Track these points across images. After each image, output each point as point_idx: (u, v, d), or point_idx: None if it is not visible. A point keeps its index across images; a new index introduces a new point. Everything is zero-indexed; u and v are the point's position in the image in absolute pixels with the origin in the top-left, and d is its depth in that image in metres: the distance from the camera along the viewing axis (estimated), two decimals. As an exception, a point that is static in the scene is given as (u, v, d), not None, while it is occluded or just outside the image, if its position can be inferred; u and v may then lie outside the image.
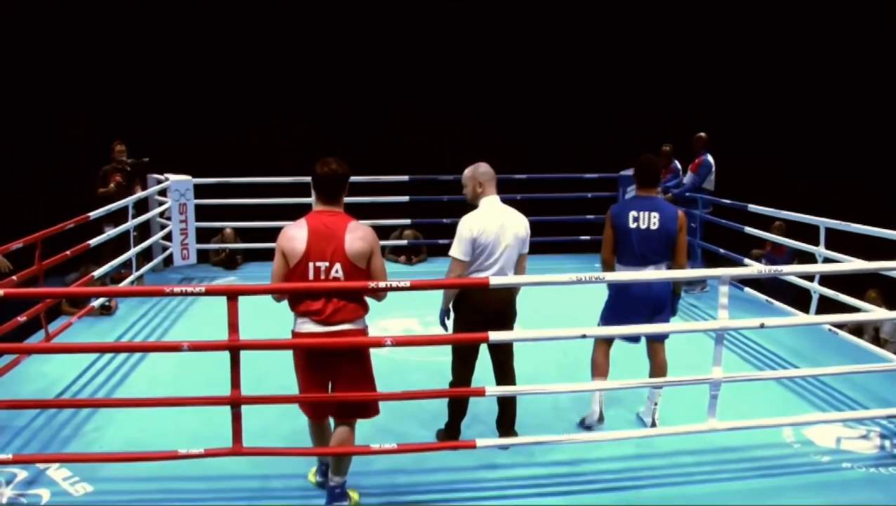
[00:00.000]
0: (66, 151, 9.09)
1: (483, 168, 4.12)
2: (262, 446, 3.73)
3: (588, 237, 9.16)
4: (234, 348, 3.43)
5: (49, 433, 4.39)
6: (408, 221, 9.07)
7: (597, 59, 10.57)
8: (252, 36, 10.10)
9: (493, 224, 3.97)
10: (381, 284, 3.46)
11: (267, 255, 8.91)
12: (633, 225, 4.25)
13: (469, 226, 3.96)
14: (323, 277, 3.36)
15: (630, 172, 8.98)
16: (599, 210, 9.19)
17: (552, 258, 8.98)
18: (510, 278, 3.91)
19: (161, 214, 8.18)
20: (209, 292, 3.41)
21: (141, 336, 6.23)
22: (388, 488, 3.87)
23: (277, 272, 3.44)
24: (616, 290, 4.37)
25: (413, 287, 3.56)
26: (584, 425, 4.46)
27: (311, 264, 3.36)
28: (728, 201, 7.24)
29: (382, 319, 6.59)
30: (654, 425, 4.44)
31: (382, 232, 9.00)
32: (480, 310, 4.00)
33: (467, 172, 4.15)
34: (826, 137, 9.83)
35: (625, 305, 4.29)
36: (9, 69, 9.09)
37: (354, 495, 3.69)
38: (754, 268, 3.95)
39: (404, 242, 9.07)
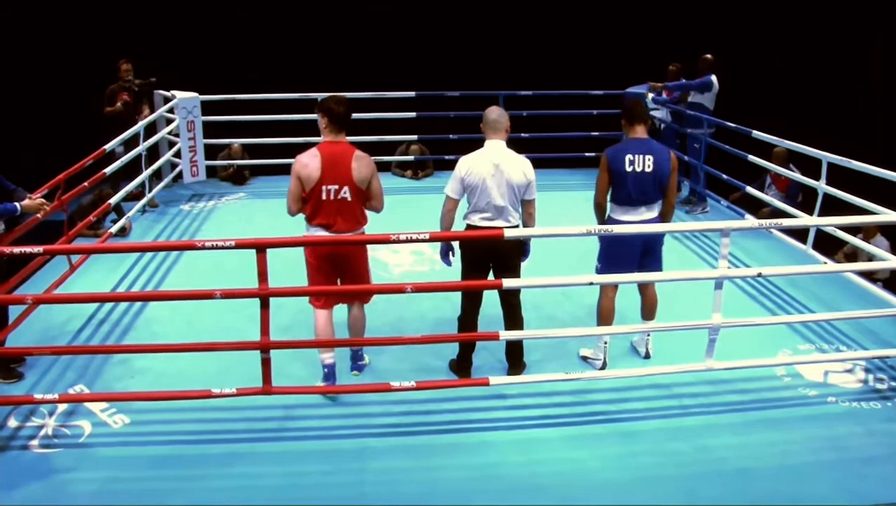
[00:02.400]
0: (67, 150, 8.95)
1: (493, 115, 4.20)
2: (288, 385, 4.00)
3: (593, 153, 9.19)
4: (264, 296, 3.63)
5: (81, 363, 4.64)
6: (414, 137, 9.07)
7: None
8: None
9: (484, 167, 4.12)
10: (402, 236, 3.63)
11: (274, 170, 9.03)
12: (629, 169, 4.34)
13: (459, 166, 4.20)
14: (333, 196, 4.02)
15: (636, 88, 8.95)
16: (604, 127, 9.23)
17: (558, 173, 9.11)
18: (522, 231, 4.05)
19: (170, 132, 8.18)
20: (239, 246, 3.55)
21: (157, 259, 6.43)
22: (402, 415, 4.15)
23: (294, 193, 4.06)
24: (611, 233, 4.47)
25: (432, 239, 3.74)
26: (587, 362, 4.72)
27: (324, 187, 4.00)
28: (733, 125, 7.24)
29: (392, 242, 6.78)
30: (647, 355, 4.72)
31: (389, 147, 9.09)
32: (481, 247, 4.22)
33: (484, 112, 4.28)
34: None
35: (620, 247, 4.44)
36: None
37: (367, 357, 4.60)
38: (755, 221, 4.07)
39: (411, 157, 9.11)
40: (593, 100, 9.17)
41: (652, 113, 8.64)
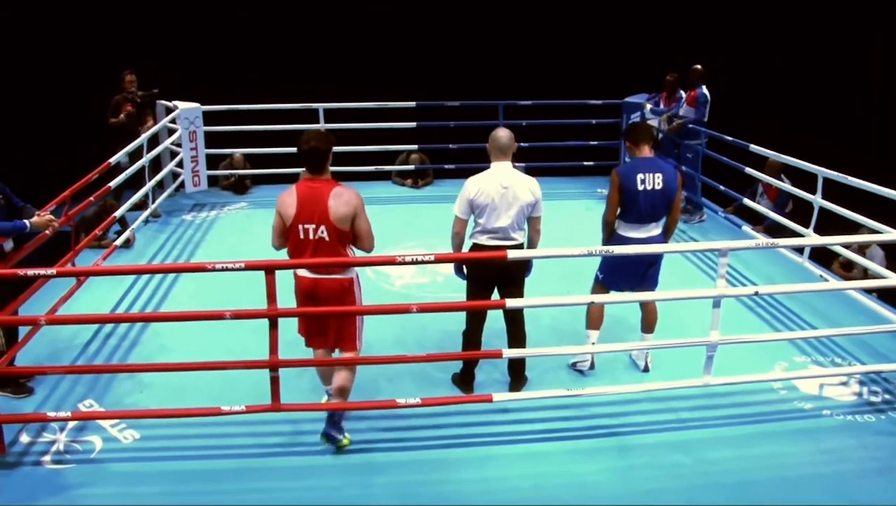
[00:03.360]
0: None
1: (503, 140, 4.25)
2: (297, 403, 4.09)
3: (591, 162, 9.33)
4: (273, 317, 3.72)
5: (90, 377, 4.71)
6: (415, 147, 9.16)
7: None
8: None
9: (493, 188, 4.19)
10: (408, 258, 3.71)
11: (276, 179, 9.12)
12: (640, 187, 4.45)
13: (468, 187, 4.24)
14: (311, 236, 3.80)
15: (635, 97, 9.05)
16: (603, 136, 9.34)
17: (557, 181, 9.22)
18: (525, 252, 4.13)
19: (172, 142, 8.24)
20: (248, 268, 3.63)
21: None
22: (407, 430, 4.24)
23: (277, 228, 3.90)
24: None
25: (437, 260, 3.80)
26: (576, 369, 4.82)
27: (300, 226, 3.80)
28: (730, 139, 7.35)
29: (392, 250, 6.87)
30: (646, 368, 4.83)
31: (389, 157, 9.18)
32: (486, 267, 4.30)
33: (493, 135, 4.34)
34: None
35: (623, 260, 4.56)
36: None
37: (346, 441, 4.07)
38: (752, 242, 4.18)
39: (411, 166, 9.19)
40: (592, 109, 9.27)
41: (650, 122, 8.75)
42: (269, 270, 3.65)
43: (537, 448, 4.13)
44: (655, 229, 4.57)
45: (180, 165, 8.27)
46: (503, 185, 4.19)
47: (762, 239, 4.05)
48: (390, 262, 3.74)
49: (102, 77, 7.83)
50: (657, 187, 4.46)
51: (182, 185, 8.37)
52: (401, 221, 7.79)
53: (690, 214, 8.08)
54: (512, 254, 3.91)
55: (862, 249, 7.33)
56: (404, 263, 3.69)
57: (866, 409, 4.52)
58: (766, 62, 10.12)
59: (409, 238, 7.23)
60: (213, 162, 8.79)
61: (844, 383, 4.78)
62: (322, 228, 3.77)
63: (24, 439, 4.11)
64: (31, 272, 3.57)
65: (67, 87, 8.89)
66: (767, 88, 10.10)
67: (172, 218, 7.96)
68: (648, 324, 4.78)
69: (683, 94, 8.25)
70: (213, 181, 8.87)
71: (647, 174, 4.45)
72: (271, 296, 3.70)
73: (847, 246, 6.23)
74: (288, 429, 4.21)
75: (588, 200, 8.74)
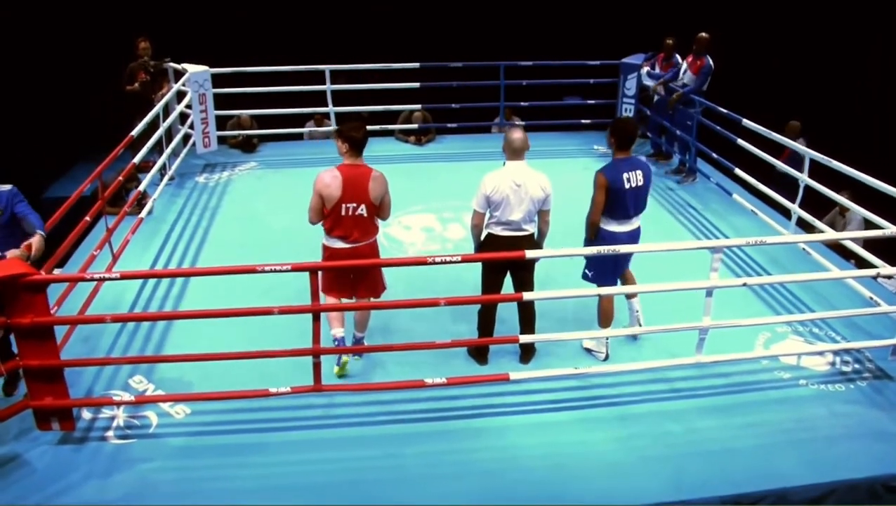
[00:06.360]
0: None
1: (518, 143, 4.62)
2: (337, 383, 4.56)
3: (588, 120, 9.62)
4: (316, 311, 4.14)
5: (137, 353, 5.13)
6: (418, 106, 9.39)
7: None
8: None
9: (508, 185, 4.59)
10: (438, 259, 4.11)
11: (283, 137, 9.36)
12: (627, 186, 4.81)
13: (485, 184, 4.65)
14: (351, 213, 4.51)
15: (632, 59, 9.26)
16: (600, 95, 9.60)
17: (556, 137, 9.52)
18: (540, 252, 4.53)
19: (183, 105, 8.40)
20: (295, 269, 4.02)
21: (185, 237, 6.88)
22: (430, 401, 4.70)
23: (316, 207, 4.55)
24: (604, 244, 4.88)
25: (464, 260, 4.20)
26: (590, 354, 5.24)
27: (343, 205, 4.48)
28: (725, 111, 7.65)
29: (404, 216, 7.27)
30: (639, 323, 5.26)
31: (393, 115, 9.42)
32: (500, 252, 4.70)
33: (508, 136, 4.69)
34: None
35: (612, 257, 4.91)
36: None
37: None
38: (743, 240, 4.61)
39: (415, 125, 9.44)
40: (590, 70, 9.49)
41: (645, 83, 9.01)
42: (314, 271, 4.05)
43: (548, 418, 4.62)
44: (637, 222, 4.99)
45: (191, 126, 8.47)
46: (516, 182, 4.58)
47: (752, 238, 4.45)
48: (422, 262, 4.13)
49: (105, 69, 7.94)
50: (639, 184, 4.85)
51: (193, 145, 8.58)
52: (407, 182, 8.03)
53: (685, 176, 8.46)
54: (530, 254, 4.33)
55: (842, 211, 7.82)
56: (434, 263, 4.08)
57: (838, 378, 5.05)
58: (765, 62, 10.25)
59: (416, 202, 7.57)
60: (220, 120, 8.98)
61: (820, 353, 5.30)
62: (362, 206, 4.50)
63: (86, 414, 4.52)
64: (97, 275, 3.93)
65: (67, 87, 8.99)
66: (767, 88, 10.28)
67: (186, 181, 8.23)
68: (629, 283, 5.24)
69: (681, 59, 8.47)
70: (221, 140, 9.09)
71: (630, 173, 4.81)
72: (314, 293, 4.11)
73: (831, 207, 6.64)
74: (324, 402, 4.66)
75: (585, 158, 9.06)
